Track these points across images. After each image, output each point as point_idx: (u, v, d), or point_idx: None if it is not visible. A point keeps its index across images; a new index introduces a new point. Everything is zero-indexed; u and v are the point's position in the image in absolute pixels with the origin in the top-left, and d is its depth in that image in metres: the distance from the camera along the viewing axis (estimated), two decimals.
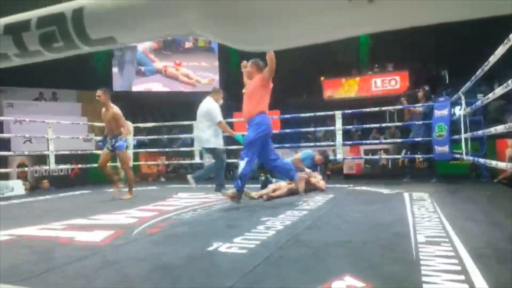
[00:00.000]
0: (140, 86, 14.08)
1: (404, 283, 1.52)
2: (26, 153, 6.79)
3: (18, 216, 3.81)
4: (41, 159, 6.70)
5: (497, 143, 5.75)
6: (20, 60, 0.49)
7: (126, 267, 1.90)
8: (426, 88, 6.24)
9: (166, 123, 8.60)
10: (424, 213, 3.03)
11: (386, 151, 7.06)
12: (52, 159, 6.31)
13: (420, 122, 5.86)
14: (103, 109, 5.09)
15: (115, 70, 13.79)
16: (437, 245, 2.05)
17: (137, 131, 8.36)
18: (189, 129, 7.69)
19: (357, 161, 7.15)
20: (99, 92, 4.98)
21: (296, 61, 12.90)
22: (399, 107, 6.91)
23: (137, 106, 13.17)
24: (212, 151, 5.14)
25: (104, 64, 13.73)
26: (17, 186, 6.05)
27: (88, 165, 7.38)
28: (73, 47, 0.45)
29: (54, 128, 6.59)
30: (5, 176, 6.31)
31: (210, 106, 5.05)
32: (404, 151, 6.50)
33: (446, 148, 5.35)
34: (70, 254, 2.16)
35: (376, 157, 6.87)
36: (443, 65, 12.25)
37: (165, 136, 9.02)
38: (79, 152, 7.43)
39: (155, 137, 8.65)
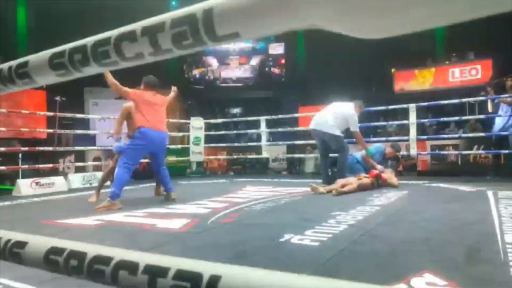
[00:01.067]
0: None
1: (493, 283, 1.43)
2: (110, 147, 7.41)
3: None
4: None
5: None
6: (152, 58, 0.55)
7: (205, 252, 2.01)
8: None
9: (234, 119, 8.86)
10: None
11: (455, 147, 6.55)
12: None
13: (508, 115, 5.36)
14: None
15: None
16: None
17: (207, 127, 8.70)
18: (255, 125, 7.83)
19: (423, 157, 6.72)
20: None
21: (365, 53, 12.48)
22: (481, 98, 6.37)
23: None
24: (336, 139, 5.02)
25: (176, 62, 14.48)
26: None
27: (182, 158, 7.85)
28: (200, 43, 0.50)
29: None
30: (87, 168, 6.98)
31: (351, 114, 5.06)
32: (476, 147, 6.02)
33: None
34: (154, 239, 2.35)
35: (455, 152, 6.39)
36: None
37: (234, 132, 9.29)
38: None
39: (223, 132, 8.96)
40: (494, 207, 3.08)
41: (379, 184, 4.63)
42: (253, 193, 4.65)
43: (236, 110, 15.14)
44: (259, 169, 9.16)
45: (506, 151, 5.41)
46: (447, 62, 12.23)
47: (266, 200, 3.97)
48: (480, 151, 6.09)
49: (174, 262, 0.56)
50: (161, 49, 0.53)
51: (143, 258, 0.58)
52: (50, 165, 6.35)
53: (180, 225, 2.77)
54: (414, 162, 7.09)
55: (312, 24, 0.44)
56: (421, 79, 12.75)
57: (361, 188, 4.39)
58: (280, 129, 8.54)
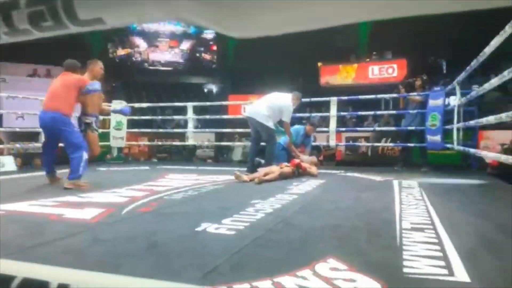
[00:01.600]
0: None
1: (386, 267, 1.56)
2: (17, 129, 6.75)
3: (8, 191, 3.81)
4: (33, 137, 6.66)
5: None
6: (9, 38, 0.49)
7: (115, 244, 1.92)
8: (424, 77, 6.25)
9: (161, 104, 8.56)
10: (411, 201, 3.08)
11: (366, 139, 7.21)
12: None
13: (415, 111, 5.89)
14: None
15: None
16: (421, 232, 2.09)
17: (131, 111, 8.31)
18: (184, 111, 7.66)
19: (339, 148, 7.30)
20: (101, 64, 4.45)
21: (294, 45, 12.81)
22: (394, 95, 6.92)
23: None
24: (267, 130, 5.08)
25: (99, 40, 13.55)
26: (8, 162, 6.03)
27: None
28: (62, 26, 0.46)
29: None
30: None
31: (287, 105, 5.15)
32: (384, 140, 6.65)
33: (438, 138, 5.39)
34: (60, 230, 2.18)
35: (377, 144, 6.88)
36: (441, 54, 12.23)
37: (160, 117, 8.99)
38: None
39: (149, 117, 8.62)
40: (397, 196, 3.37)
41: (299, 173, 4.82)
42: (176, 181, 4.56)
43: (163, 95, 14.67)
44: (186, 156, 9.01)
45: (412, 145, 5.95)
46: (367, 59, 13.05)
47: (188, 188, 3.91)
48: (388, 144, 6.66)
49: (21, 269, 0.50)
50: (17, 29, 0.47)
51: None
52: None
53: (92, 215, 2.61)
54: (333, 152, 7.51)
55: (181, 18, 0.42)
56: (345, 74, 13.47)
57: (283, 177, 4.53)
58: (207, 116, 8.46)
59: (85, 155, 3.94)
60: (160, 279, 1.39)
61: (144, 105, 8.57)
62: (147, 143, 8.60)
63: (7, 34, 0.49)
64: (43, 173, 5.60)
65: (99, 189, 3.78)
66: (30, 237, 2.06)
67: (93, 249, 1.86)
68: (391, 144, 6.64)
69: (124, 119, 7.42)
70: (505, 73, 2.79)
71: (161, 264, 1.63)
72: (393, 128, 6.87)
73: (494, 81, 3.12)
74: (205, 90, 14.86)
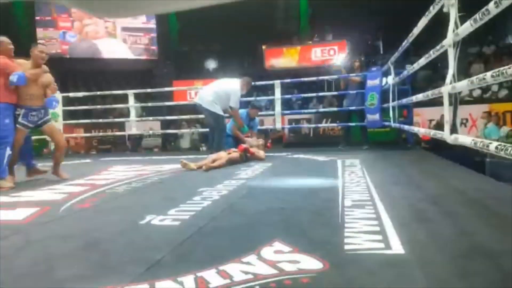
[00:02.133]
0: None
1: (327, 245, 1.61)
2: None
3: None
4: None
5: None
6: None
7: (50, 245, 1.80)
8: (362, 58, 6.49)
9: (99, 93, 8.11)
10: (353, 179, 3.21)
11: (308, 121, 7.51)
12: None
13: (354, 92, 6.11)
14: (31, 69, 3.74)
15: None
16: (361, 208, 2.18)
17: (68, 101, 7.81)
18: (126, 99, 7.33)
19: (284, 131, 7.56)
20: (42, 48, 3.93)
21: (238, 28, 12.70)
22: (335, 76, 7.12)
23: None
24: (212, 115, 5.12)
25: (27, 26, 12.50)
26: None
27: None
28: None
29: None
30: None
31: (235, 90, 5.10)
32: (325, 120, 6.97)
33: (377, 116, 5.65)
34: None
35: (318, 125, 7.09)
36: (378, 35, 12.74)
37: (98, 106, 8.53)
38: None
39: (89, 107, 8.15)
40: (340, 174, 3.50)
41: (247, 157, 4.83)
42: (119, 173, 4.37)
43: (102, 83, 13.95)
44: (131, 146, 8.69)
45: (353, 124, 6.19)
46: (310, 42, 13.28)
47: (132, 180, 3.76)
48: (330, 124, 6.91)
49: None
50: None
51: None
52: None
53: (24, 215, 2.42)
54: (280, 135, 7.62)
55: None
56: (289, 57, 13.62)
57: (231, 162, 4.51)
58: (150, 104, 8.18)
59: (8, 151, 3.56)
60: (97, 279, 1.33)
61: (80, 94, 8.05)
62: (83, 134, 8.14)
63: None
64: None
65: (33, 186, 3.53)
66: None
67: (24, 252, 1.73)
68: (334, 125, 6.87)
69: (60, 111, 6.95)
70: (431, 52, 2.96)
71: (99, 262, 1.54)
72: (335, 109, 7.09)
73: (422, 61, 3.31)
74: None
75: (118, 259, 1.58)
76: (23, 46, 4.12)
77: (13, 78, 3.52)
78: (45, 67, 3.90)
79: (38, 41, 4.16)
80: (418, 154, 4.88)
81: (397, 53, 4.61)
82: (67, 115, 7.49)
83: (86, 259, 1.60)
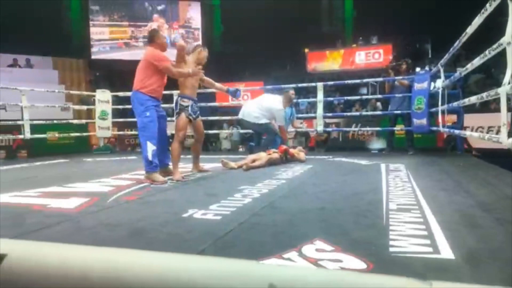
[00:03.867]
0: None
1: (371, 246, 1.56)
2: None
3: None
4: (16, 128, 6.50)
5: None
6: None
7: (98, 232, 1.89)
8: (409, 61, 6.26)
9: None
10: (398, 183, 3.10)
11: (337, 125, 7.46)
12: (27, 128, 6.14)
13: (400, 95, 5.90)
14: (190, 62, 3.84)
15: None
16: (407, 212, 2.10)
17: (115, 101, 8.17)
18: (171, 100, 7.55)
19: (311, 134, 7.54)
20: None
21: (281, 31, 12.72)
22: (380, 79, 6.93)
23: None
24: (261, 126, 5.41)
25: (80, 30, 13.23)
26: None
27: (65, 134, 7.23)
28: None
29: (29, 96, 6.37)
30: None
31: (278, 109, 5.30)
32: (354, 125, 6.82)
33: (424, 121, 5.42)
34: (42, 221, 2.13)
35: (356, 128, 6.94)
36: (426, 38, 12.28)
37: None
38: (55, 121, 7.24)
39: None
40: (384, 178, 3.39)
41: (287, 158, 4.81)
42: None
43: None
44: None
45: (398, 128, 5.99)
46: (354, 45, 13.03)
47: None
48: (374, 128, 6.71)
49: None
50: None
51: None
52: None
53: (75, 204, 2.56)
54: (323, 138, 7.52)
55: None
56: (332, 60, 13.45)
57: (270, 163, 4.52)
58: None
59: (150, 145, 3.53)
60: None
61: (129, 93, 8.37)
62: (133, 132, 8.47)
63: None
64: (27, 164, 5.50)
65: (84, 179, 3.71)
66: (11, 228, 2.00)
67: (75, 237, 1.82)
68: (377, 128, 6.67)
69: (109, 109, 7.29)
70: (486, 52, 2.80)
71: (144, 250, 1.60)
72: (379, 112, 6.90)
73: (476, 61, 3.13)
74: None
75: (162, 248, 1.62)
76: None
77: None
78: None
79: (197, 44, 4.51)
80: (469, 161, 4.63)
81: (447, 55, 4.40)
82: (117, 113, 7.82)
83: (132, 247, 1.66)
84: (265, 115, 5.32)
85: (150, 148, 3.52)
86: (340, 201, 2.51)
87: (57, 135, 7.08)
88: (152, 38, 3.74)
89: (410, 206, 2.26)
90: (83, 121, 7.94)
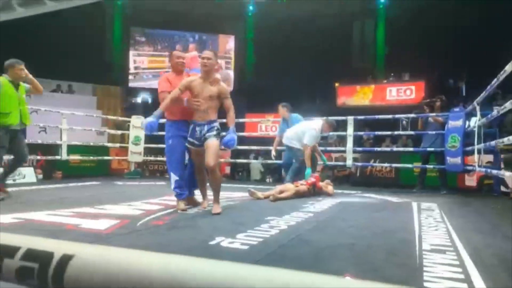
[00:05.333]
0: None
1: (405, 284, 1.50)
2: (39, 141, 6.90)
3: (28, 201, 3.88)
4: (54, 150, 6.78)
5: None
6: (23, 10, 0.49)
7: None
8: (443, 98, 6.16)
9: None
10: (431, 222, 2.99)
11: (355, 159, 7.20)
12: (64, 149, 6.41)
13: (433, 132, 5.78)
14: (196, 79, 3.35)
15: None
16: (442, 253, 2.01)
17: None
18: None
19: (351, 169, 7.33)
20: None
21: (311, 66, 12.90)
22: (412, 115, 6.83)
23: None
24: (295, 152, 5.37)
25: (120, 59, 13.93)
26: (29, 174, 6.15)
27: (99, 157, 7.49)
28: None
29: (69, 119, 6.70)
30: None
31: (311, 128, 5.26)
32: (372, 160, 6.65)
33: (458, 160, 5.26)
34: (74, 239, 2.19)
35: (392, 164, 6.77)
36: (460, 76, 12.08)
37: None
38: (91, 144, 7.53)
39: None
40: (416, 217, 3.27)
41: (315, 191, 4.75)
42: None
43: None
44: None
45: (431, 166, 5.82)
46: (385, 81, 12.99)
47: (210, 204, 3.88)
48: (406, 165, 6.53)
49: (25, 241, 0.50)
50: None
51: None
52: None
53: (106, 226, 2.62)
54: (347, 173, 7.41)
55: None
56: (362, 95, 13.41)
57: (298, 195, 4.48)
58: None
59: (173, 176, 3.52)
60: None
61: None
62: (160, 158, 8.66)
63: (21, 6, 0.49)
64: (61, 185, 5.71)
65: (115, 201, 3.81)
66: None
67: None
68: (409, 165, 6.50)
69: (142, 135, 7.52)
70: None
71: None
72: (411, 149, 6.76)
73: None
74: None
75: None
76: None
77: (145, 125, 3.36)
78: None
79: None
80: (506, 204, 4.41)
81: (484, 93, 4.32)
82: (149, 139, 8.04)
83: None
84: (299, 139, 5.23)
85: (173, 178, 3.49)
86: (370, 237, 2.44)
87: (79, 157, 7.30)
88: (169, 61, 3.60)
89: (444, 247, 2.16)
90: (117, 144, 8.21)
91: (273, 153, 6.01)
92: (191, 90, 3.33)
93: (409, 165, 6.46)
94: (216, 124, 3.40)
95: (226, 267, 0.47)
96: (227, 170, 9.44)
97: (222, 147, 3.61)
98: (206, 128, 3.33)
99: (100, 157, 7.70)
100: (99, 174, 7.38)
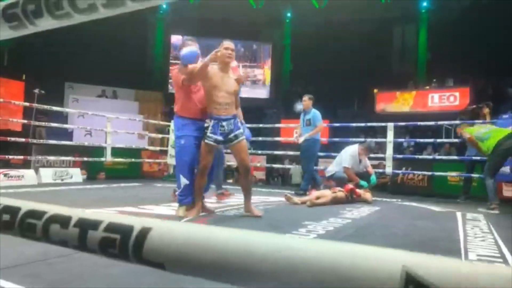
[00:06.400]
0: None
1: None
2: (86, 143, 7.27)
3: (74, 200, 4.09)
4: (98, 152, 7.09)
5: None
6: (106, 10, 0.54)
7: None
8: (490, 104, 5.89)
9: None
10: (477, 233, 2.86)
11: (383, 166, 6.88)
12: (108, 152, 6.70)
13: None
14: (214, 69, 3.11)
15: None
16: (490, 264, 1.92)
17: None
18: None
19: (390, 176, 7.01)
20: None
21: (350, 71, 12.74)
22: (456, 122, 6.57)
23: None
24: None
25: (161, 66, 14.41)
26: (76, 174, 6.48)
27: (140, 160, 7.76)
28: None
29: (113, 123, 7.00)
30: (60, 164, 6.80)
31: (347, 152, 5.42)
32: (404, 168, 6.37)
33: (507, 169, 4.99)
34: None
35: (434, 173, 6.51)
36: (508, 81, 11.47)
37: None
38: (133, 146, 7.82)
39: None
40: (461, 227, 3.14)
41: (353, 198, 4.67)
42: (229, 199, 4.62)
43: None
44: (236, 176, 9.12)
45: (477, 175, 5.56)
46: (427, 87, 12.57)
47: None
48: (451, 173, 6.25)
49: (107, 216, 0.55)
50: (59, 11, 0.52)
51: (77, 213, 0.56)
52: (21, 157, 6.16)
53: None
54: (386, 181, 7.20)
55: None
56: (402, 101, 13.04)
57: (335, 201, 4.42)
58: (260, 138, 8.54)
59: (182, 179, 3.19)
60: None
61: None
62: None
63: (105, 7, 0.53)
64: (105, 185, 5.97)
65: (156, 202, 3.93)
66: None
67: None
68: (453, 174, 6.23)
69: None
70: None
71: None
72: (455, 157, 6.49)
73: None
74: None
75: None
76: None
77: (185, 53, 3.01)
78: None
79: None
80: None
81: None
82: None
83: None
84: (338, 164, 5.47)
85: (183, 182, 3.13)
86: (411, 245, 2.37)
87: (121, 159, 7.36)
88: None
89: (493, 258, 2.06)
90: (157, 148, 8.46)
91: (299, 140, 5.92)
92: (208, 79, 3.06)
93: (453, 174, 6.19)
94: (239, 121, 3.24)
95: (297, 243, 0.49)
96: (261, 175, 9.48)
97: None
98: (233, 123, 3.12)
99: (138, 160, 7.95)
100: (131, 176, 7.51)
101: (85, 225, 0.54)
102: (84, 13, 0.54)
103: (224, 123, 3.09)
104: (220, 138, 3.10)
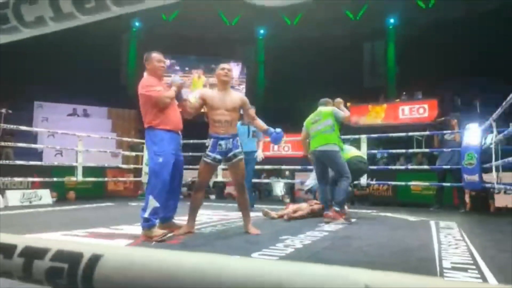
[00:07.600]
0: None
1: None
2: (56, 163, 7.03)
3: (44, 222, 3.92)
4: (67, 172, 6.85)
5: None
6: (55, 24, 0.51)
7: None
8: (459, 115, 6.12)
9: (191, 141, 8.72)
10: (451, 241, 2.91)
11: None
12: (79, 171, 6.49)
13: (449, 150, 5.70)
14: (212, 91, 3.27)
15: None
16: (463, 271, 1.95)
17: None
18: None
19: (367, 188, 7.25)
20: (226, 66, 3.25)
21: (323, 86, 12.98)
22: (426, 133, 6.77)
23: None
24: None
25: (134, 83, 14.26)
26: (45, 196, 6.23)
27: (110, 179, 7.55)
28: (104, 8, 0.47)
29: (84, 142, 6.81)
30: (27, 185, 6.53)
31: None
32: (369, 179, 6.68)
33: (476, 177, 5.14)
34: None
35: (408, 183, 6.65)
36: (475, 93, 11.98)
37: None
38: (106, 165, 7.62)
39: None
40: (435, 235, 3.19)
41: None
42: (205, 216, 4.53)
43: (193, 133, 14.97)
44: (216, 193, 9.01)
45: (448, 184, 5.71)
46: (397, 100, 12.95)
47: (217, 223, 3.88)
48: (423, 183, 6.41)
49: (55, 244, 0.51)
50: (62, 12, 0.49)
51: (23, 240, 0.52)
52: None
53: (121, 245, 2.62)
54: (365, 193, 7.29)
55: None
56: (374, 114, 13.35)
57: (312, 214, 4.42)
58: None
59: (151, 200, 2.91)
60: None
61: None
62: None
63: (54, 20, 0.51)
64: (76, 206, 5.76)
65: (129, 222, 3.81)
66: None
67: None
68: (426, 184, 6.38)
69: None
70: None
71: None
72: (426, 167, 6.66)
73: None
74: None
75: None
76: None
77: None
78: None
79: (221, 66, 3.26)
80: None
81: (500, 109, 4.27)
82: None
83: None
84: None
85: (152, 205, 2.85)
86: (388, 256, 2.39)
87: (73, 179, 6.90)
88: (145, 63, 3.12)
89: (466, 265, 2.10)
90: (132, 166, 8.28)
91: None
92: (206, 102, 3.13)
93: (426, 184, 6.34)
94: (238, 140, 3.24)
95: (259, 264, 0.47)
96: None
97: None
98: (231, 142, 3.14)
99: (112, 179, 7.75)
100: (95, 195, 7.23)
101: (31, 255, 0.51)
102: (32, 27, 0.52)
103: (222, 142, 3.12)
104: (218, 156, 3.13)
